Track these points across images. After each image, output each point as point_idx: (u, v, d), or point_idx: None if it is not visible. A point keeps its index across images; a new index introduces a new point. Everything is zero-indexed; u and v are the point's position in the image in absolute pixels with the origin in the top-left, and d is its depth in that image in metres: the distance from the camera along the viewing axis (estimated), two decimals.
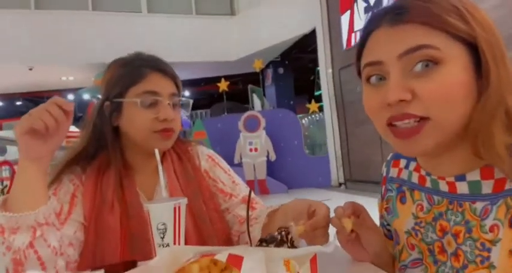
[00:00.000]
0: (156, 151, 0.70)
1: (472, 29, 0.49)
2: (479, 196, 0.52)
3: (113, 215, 0.79)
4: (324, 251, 0.45)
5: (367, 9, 4.70)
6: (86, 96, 6.80)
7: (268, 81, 9.53)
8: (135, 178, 0.86)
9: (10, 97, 10.95)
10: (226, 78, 6.57)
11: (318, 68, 6.01)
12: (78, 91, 7.48)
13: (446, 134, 0.51)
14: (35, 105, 0.70)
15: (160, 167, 0.67)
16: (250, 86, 7.16)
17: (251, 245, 0.57)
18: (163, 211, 0.63)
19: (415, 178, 0.62)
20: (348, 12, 5.03)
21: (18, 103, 11.23)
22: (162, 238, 0.61)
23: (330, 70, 5.53)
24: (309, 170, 5.54)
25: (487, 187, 0.51)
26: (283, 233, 0.57)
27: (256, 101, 6.72)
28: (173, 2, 8.14)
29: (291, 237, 0.58)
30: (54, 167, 0.82)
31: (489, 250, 0.49)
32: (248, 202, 0.61)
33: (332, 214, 0.64)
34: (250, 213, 0.87)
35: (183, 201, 0.64)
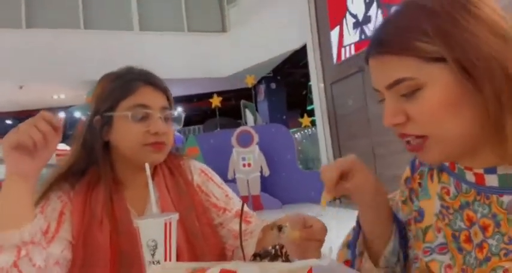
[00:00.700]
0: (147, 166, 0.68)
1: (443, 48, 0.48)
2: (508, 189, 0.51)
3: (102, 232, 0.77)
4: (319, 264, 0.43)
5: (355, 25, 4.79)
6: (77, 114, 6.77)
7: (261, 97, 9.59)
8: (126, 194, 0.84)
9: (0, 116, 10.85)
10: (219, 94, 6.59)
11: (310, 83, 6.07)
12: (69, 108, 7.45)
13: (452, 146, 0.51)
14: None
15: (150, 182, 0.66)
16: (242, 101, 7.19)
17: (245, 260, 0.55)
18: (153, 227, 0.61)
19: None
20: (338, 27, 5.12)
21: (8, 122, 11.13)
22: (153, 255, 0.59)
23: (322, 85, 5.59)
24: (303, 185, 5.51)
25: None
26: (277, 247, 0.56)
27: (249, 116, 6.73)
28: (165, 19, 8.23)
29: (286, 251, 0.57)
30: (43, 184, 0.80)
31: None
32: (241, 215, 0.60)
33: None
34: (245, 227, 0.86)
35: (174, 217, 0.63)
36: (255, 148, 5.28)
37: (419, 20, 0.50)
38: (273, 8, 6.95)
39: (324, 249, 0.63)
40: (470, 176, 0.55)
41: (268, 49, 7.25)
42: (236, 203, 0.92)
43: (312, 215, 0.68)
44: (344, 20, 5.00)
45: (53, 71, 7.07)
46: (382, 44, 0.53)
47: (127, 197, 0.84)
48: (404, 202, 0.67)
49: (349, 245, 0.67)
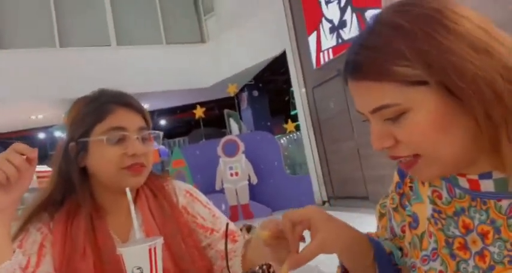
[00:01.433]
0: (128, 191, 0.67)
1: (424, 71, 0.45)
2: (504, 193, 0.49)
3: (85, 262, 0.75)
4: None
5: (332, 30, 4.86)
6: (58, 133, 6.64)
7: (244, 105, 9.61)
8: (108, 220, 0.82)
9: None
10: (202, 104, 6.57)
11: (292, 88, 6.11)
12: (49, 129, 7.30)
13: (446, 164, 0.50)
14: (3, 148, 0.67)
15: (132, 208, 0.64)
16: (226, 111, 7.19)
17: None
18: (137, 253, 0.60)
19: None
20: (315, 33, 5.18)
21: None
22: None
23: (304, 90, 5.63)
24: (292, 191, 5.51)
25: None
26: (264, 267, 0.56)
27: (234, 125, 6.73)
28: (142, 32, 8.18)
29: (273, 271, 0.56)
30: (21, 216, 0.78)
31: None
32: (226, 236, 0.59)
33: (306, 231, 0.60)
34: (231, 246, 0.84)
35: (159, 241, 0.61)
36: (241, 157, 5.27)
37: (394, 42, 0.46)
38: (250, 16, 7.00)
39: (311, 265, 0.63)
40: (463, 183, 0.53)
41: (249, 57, 7.28)
42: (223, 223, 0.89)
43: None
44: (320, 25, 5.06)
45: (30, 90, 6.93)
46: (358, 69, 0.49)
47: (110, 223, 0.82)
48: (395, 210, 0.65)
49: None
